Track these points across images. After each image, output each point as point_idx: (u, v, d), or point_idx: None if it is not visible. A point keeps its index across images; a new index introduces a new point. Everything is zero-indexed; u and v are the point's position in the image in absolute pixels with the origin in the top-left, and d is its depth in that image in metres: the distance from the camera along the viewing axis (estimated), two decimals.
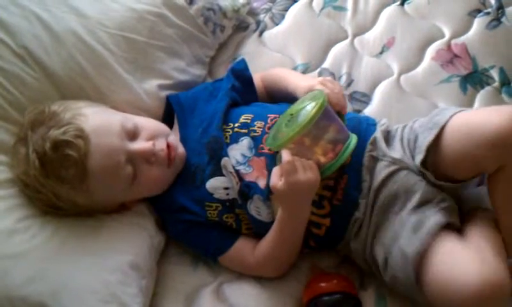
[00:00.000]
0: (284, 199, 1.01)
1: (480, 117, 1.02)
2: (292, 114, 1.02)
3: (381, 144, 1.09)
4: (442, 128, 1.02)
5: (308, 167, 0.98)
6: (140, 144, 1.07)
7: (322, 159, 1.01)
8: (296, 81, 1.15)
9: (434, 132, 1.02)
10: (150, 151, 1.06)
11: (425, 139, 1.03)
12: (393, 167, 1.06)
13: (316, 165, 0.99)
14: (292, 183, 0.97)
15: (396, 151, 1.08)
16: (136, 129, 1.08)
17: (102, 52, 1.16)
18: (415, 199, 1.04)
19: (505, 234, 1.04)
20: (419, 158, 1.03)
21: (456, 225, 1.03)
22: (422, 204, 1.03)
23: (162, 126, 1.15)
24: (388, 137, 1.12)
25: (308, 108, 0.99)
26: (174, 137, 1.15)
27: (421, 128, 1.08)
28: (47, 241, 1.01)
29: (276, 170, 1.00)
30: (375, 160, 1.08)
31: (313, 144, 1.00)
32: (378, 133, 1.11)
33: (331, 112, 1.01)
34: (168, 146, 1.09)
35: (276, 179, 0.99)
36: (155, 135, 1.09)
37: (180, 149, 1.13)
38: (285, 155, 0.99)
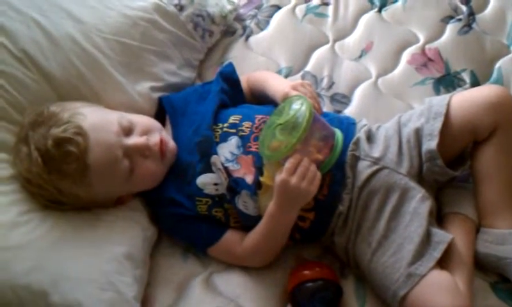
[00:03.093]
0: (285, 195, 1.04)
1: (476, 91, 1.20)
2: (280, 124, 1.04)
3: (364, 144, 1.14)
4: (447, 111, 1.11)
5: (313, 178, 1.02)
6: (135, 139, 1.10)
7: (320, 156, 1.05)
8: (274, 87, 1.19)
9: (441, 118, 1.10)
10: (144, 145, 1.10)
11: (434, 126, 1.10)
12: (375, 167, 1.11)
13: (316, 166, 1.03)
14: (299, 187, 1.01)
15: (377, 151, 1.13)
16: (130, 125, 1.11)
17: (98, 56, 1.19)
18: (394, 197, 1.09)
19: (482, 205, 1.12)
20: (434, 143, 1.09)
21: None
22: (401, 202, 1.09)
23: (155, 123, 1.18)
24: (369, 136, 1.16)
25: (300, 115, 1.02)
26: (166, 133, 1.18)
27: (420, 120, 1.13)
28: (47, 233, 1.03)
29: (289, 166, 1.02)
30: (356, 158, 1.12)
31: (309, 146, 1.03)
32: (361, 134, 1.15)
33: (316, 114, 1.05)
34: (160, 140, 1.12)
35: (288, 175, 1.02)
36: (148, 131, 1.13)
37: (171, 143, 1.16)
38: (297, 158, 1.02)
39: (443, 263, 1.06)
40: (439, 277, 1.03)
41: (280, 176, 1.03)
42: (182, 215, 1.14)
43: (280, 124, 1.05)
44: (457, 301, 1.01)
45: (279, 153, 1.03)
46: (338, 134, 1.07)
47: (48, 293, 0.99)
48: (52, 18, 1.18)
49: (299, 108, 1.04)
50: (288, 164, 1.02)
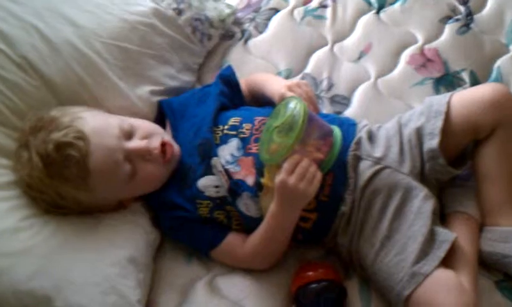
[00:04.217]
0: (285, 196, 1.04)
1: (476, 90, 1.20)
2: (277, 126, 1.04)
3: (365, 144, 1.14)
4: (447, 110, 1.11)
5: (312, 178, 1.02)
6: (136, 143, 1.10)
7: (320, 155, 1.05)
8: (271, 88, 1.20)
9: (442, 116, 1.11)
10: (145, 148, 1.10)
11: (435, 125, 1.11)
12: (377, 167, 1.11)
13: (316, 165, 1.03)
14: (298, 187, 1.01)
15: (378, 151, 1.13)
16: (131, 129, 1.11)
17: (97, 61, 1.19)
18: (397, 197, 1.09)
19: (485, 203, 1.12)
20: (435, 141, 1.09)
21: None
22: (404, 202, 1.09)
23: (156, 127, 1.18)
24: (371, 136, 1.16)
25: (295, 116, 1.02)
26: (168, 136, 1.18)
27: (420, 119, 1.13)
28: (49, 238, 1.03)
29: (288, 167, 1.01)
30: (358, 158, 1.12)
31: (307, 145, 1.03)
32: (363, 134, 1.15)
33: (312, 113, 1.05)
34: (164, 143, 1.12)
35: (286, 176, 1.02)
36: (149, 134, 1.13)
37: (176, 146, 1.16)
38: (295, 159, 1.02)
39: (447, 262, 1.05)
40: (443, 276, 1.03)
41: (279, 177, 1.03)
42: (184, 219, 1.14)
43: (277, 126, 1.05)
44: (462, 300, 1.00)
45: (277, 155, 1.03)
46: (337, 131, 1.07)
47: (51, 299, 0.99)
48: (52, 24, 1.18)
49: (293, 108, 1.04)
50: (287, 165, 1.02)
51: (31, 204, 1.06)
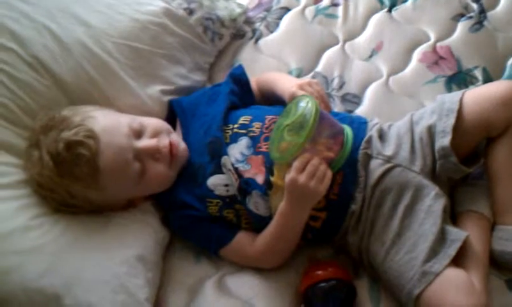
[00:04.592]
0: (295, 194, 1.04)
1: (488, 87, 1.19)
2: (288, 125, 1.04)
3: (376, 142, 1.13)
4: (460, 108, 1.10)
5: (322, 176, 1.02)
6: (145, 142, 1.11)
7: (331, 154, 1.04)
8: (282, 87, 1.20)
9: (454, 114, 1.10)
10: (155, 147, 1.11)
11: (447, 123, 1.10)
12: (388, 165, 1.10)
13: (326, 164, 1.03)
14: (308, 185, 1.01)
15: (389, 149, 1.12)
16: (141, 128, 1.12)
17: (108, 60, 1.20)
18: (408, 195, 1.08)
19: (497, 202, 1.11)
20: (447, 139, 1.08)
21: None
22: (415, 200, 1.08)
23: (165, 125, 1.19)
24: (381, 135, 1.16)
25: (306, 114, 1.01)
26: (176, 135, 1.18)
27: (432, 117, 1.12)
28: (59, 236, 1.04)
29: (298, 165, 1.02)
30: (369, 157, 1.12)
31: (318, 144, 1.03)
32: (374, 132, 1.15)
33: (323, 112, 1.05)
34: (170, 143, 1.13)
35: (296, 174, 1.02)
36: (158, 133, 1.13)
37: (182, 145, 1.17)
38: (306, 157, 1.02)
39: (458, 261, 1.04)
40: (454, 275, 1.02)
41: (289, 175, 1.03)
42: (193, 217, 1.14)
43: (288, 125, 1.04)
44: (473, 299, 0.99)
45: (288, 154, 1.03)
46: (348, 130, 1.07)
47: (61, 296, 0.99)
48: (63, 24, 1.20)
49: (305, 107, 1.03)
50: (297, 163, 1.02)
51: (41, 203, 1.07)
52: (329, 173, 1.03)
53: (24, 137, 1.12)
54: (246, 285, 1.12)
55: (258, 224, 1.12)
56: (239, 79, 1.27)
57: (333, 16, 1.54)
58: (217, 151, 1.14)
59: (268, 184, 1.10)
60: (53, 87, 1.16)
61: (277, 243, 1.10)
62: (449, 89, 1.37)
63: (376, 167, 1.11)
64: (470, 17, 1.49)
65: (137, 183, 1.10)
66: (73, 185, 1.05)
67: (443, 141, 1.09)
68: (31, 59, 1.14)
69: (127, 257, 1.07)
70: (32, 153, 1.07)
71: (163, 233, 1.17)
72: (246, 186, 1.10)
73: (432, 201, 1.07)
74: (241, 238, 1.14)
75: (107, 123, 1.08)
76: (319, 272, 1.08)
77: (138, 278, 1.06)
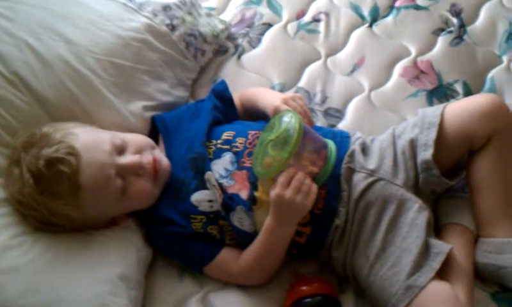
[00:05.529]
0: (281, 210, 1.04)
1: (469, 100, 1.21)
2: (271, 140, 1.04)
3: (359, 156, 1.13)
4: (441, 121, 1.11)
5: (308, 191, 1.02)
6: (128, 158, 1.10)
7: (315, 168, 1.04)
8: (265, 101, 1.19)
9: (436, 127, 1.10)
10: (138, 163, 1.10)
11: (429, 136, 1.10)
12: (370, 179, 1.10)
13: (311, 179, 1.03)
14: (294, 200, 1.01)
15: (372, 163, 1.12)
16: (123, 144, 1.11)
17: (90, 77, 1.19)
18: (391, 209, 1.08)
19: (480, 215, 1.12)
20: (429, 153, 1.09)
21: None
22: (398, 214, 1.08)
23: (148, 140, 1.18)
24: (364, 148, 1.16)
25: (290, 129, 1.02)
26: (159, 151, 1.17)
27: (414, 131, 1.13)
28: (40, 255, 1.02)
29: (283, 180, 1.02)
30: (352, 171, 1.12)
31: (302, 159, 1.03)
32: (356, 146, 1.15)
33: (306, 127, 1.05)
34: (154, 159, 1.12)
35: (282, 189, 1.02)
36: (141, 149, 1.12)
37: (165, 162, 1.16)
38: (291, 173, 1.02)
39: (442, 274, 1.05)
40: (439, 288, 1.02)
41: (274, 191, 1.02)
42: (177, 234, 1.13)
43: (271, 140, 1.04)
44: None
45: (272, 169, 1.03)
46: (331, 145, 1.07)
47: None
48: (44, 40, 1.19)
49: (288, 122, 1.03)
50: (282, 178, 1.02)
51: (21, 222, 1.06)
52: (315, 187, 1.03)
53: (4, 155, 1.10)
54: (230, 302, 1.11)
55: (242, 240, 1.12)
56: (222, 95, 1.27)
57: (315, 31, 1.54)
58: (201, 166, 1.13)
59: (252, 199, 1.09)
60: (34, 104, 1.15)
61: (263, 260, 1.10)
62: (430, 103, 1.38)
63: (359, 181, 1.11)
64: (450, 32, 1.51)
65: (119, 200, 1.09)
66: (53, 202, 1.04)
67: (425, 154, 1.10)
68: (11, 75, 1.14)
69: (109, 276, 1.05)
70: (13, 170, 1.06)
71: (146, 251, 1.15)
72: (230, 201, 1.10)
73: (416, 214, 1.08)
74: (225, 255, 1.13)
75: (88, 140, 1.07)
76: (304, 288, 1.07)
77: (121, 297, 1.04)
